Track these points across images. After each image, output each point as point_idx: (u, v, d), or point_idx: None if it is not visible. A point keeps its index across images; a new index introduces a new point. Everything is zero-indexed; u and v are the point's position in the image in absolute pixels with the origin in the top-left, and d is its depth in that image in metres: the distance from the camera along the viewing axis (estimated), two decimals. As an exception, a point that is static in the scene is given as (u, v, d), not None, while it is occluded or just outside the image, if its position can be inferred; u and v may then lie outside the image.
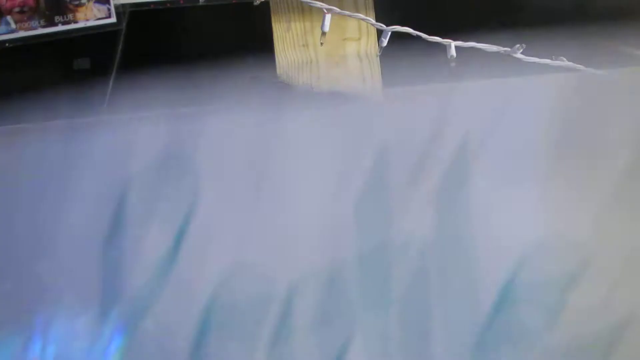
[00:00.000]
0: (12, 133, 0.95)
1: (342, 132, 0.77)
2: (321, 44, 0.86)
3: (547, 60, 0.80)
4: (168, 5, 0.95)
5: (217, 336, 0.76)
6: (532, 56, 0.79)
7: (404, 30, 0.79)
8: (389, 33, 0.80)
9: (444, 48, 0.79)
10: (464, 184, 0.78)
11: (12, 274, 0.81)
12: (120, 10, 0.94)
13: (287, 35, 0.97)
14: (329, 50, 0.98)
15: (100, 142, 0.93)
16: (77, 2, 0.94)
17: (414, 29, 0.80)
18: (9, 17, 0.93)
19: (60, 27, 0.94)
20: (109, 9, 0.94)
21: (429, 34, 0.79)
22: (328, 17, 0.81)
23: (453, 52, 0.78)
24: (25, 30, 0.94)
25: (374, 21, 0.83)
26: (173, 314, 0.78)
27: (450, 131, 0.75)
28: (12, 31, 0.94)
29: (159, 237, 0.84)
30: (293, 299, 0.75)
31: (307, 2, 0.83)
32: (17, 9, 0.93)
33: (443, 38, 0.79)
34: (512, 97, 0.76)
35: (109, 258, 0.85)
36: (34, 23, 0.94)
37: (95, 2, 0.94)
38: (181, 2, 0.95)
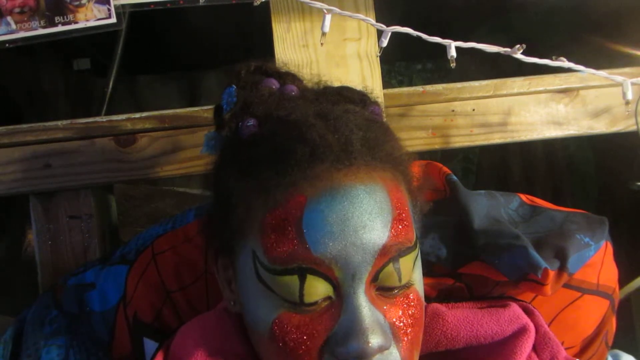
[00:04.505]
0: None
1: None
2: (321, 44, 0.86)
3: (547, 61, 0.80)
4: (168, 5, 0.95)
5: None
6: (532, 56, 0.78)
7: (404, 31, 0.79)
8: (389, 33, 0.79)
9: (444, 48, 0.79)
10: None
11: None
12: (120, 10, 0.94)
13: (287, 36, 0.97)
14: (329, 51, 0.98)
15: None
16: (77, 3, 0.94)
17: (414, 29, 0.79)
18: (9, 18, 0.93)
19: (60, 28, 0.94)
20: (109, 10, 0.94)
21: (429, 34, 0.79)
22: (328, 17, 0.81)
23: (453, 52, 0.78)
24: (25, 31, 0.94)
25: (374, 21, 0.83)
26: None
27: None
28: (12, 31, 0.94)
29: None
30: None
31: (307, 2, 0.82)
32: (17, 10, 0.93)
33: (443, 38, 0.79)
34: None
35: None
36: (34, 23, 0.94)
37: (95, 2, 0.94)
38: (181, 2, 0.95)
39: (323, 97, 0.70)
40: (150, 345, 0.79)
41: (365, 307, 0.58)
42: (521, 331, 0.70)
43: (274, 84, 0.71)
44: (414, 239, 0.63)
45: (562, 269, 0.75)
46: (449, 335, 0.71)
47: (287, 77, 0.73)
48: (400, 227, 0.60)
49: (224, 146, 0.70)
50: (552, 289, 0.75)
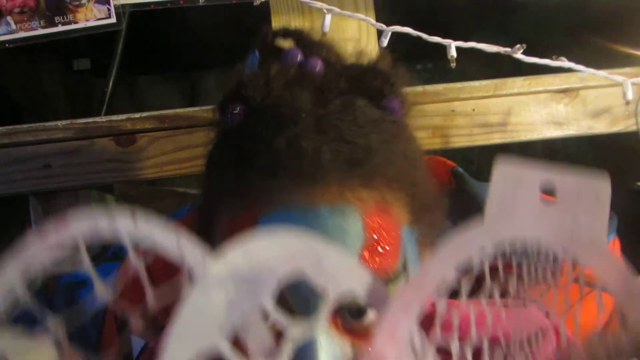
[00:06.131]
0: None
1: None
2: (321, 44, 0.86)
3: (547, 61, 0.80)
4: (168, 5, 0.95)
5: None
6: (532, 56, 0.79)
7: (404, 31, 0.79)
8: (389, 33, 0.80)
9: (444, 48, 0.79)
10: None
11: None
12: (120, 10, 0.94)
13: (287, 36, 0.97)
14: (329, 51, 0.97)
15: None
16: (77, 3, 0.94)
17: (414, 29, 0.80)
18: (9, 18, 0.93)
19: (60, 28, 0.94)
20: (109, 10, 0.94)
21: (429, 34, 0.79)
22: (328, 17, 0.81)
23: (453, 52, 0.78)
24: (25, 31, 0.94)
25: (374, 21, 0.83)
26: None
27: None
28: (12, 31, 0.94)
29: None
30: None
31: (307, 2, 0.82)
32: (17, 10, 0.93)
33: (443, 38, 0.79)
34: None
35: None
36: (34, 23, 0.94)
37: (95, 2, 0.94)
38: (181, 2, 0.95)
39: (340, 80, 0.59)
40: (137, 343, 0.76)
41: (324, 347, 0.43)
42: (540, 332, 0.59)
43: (298, 55, 0.60)
44: (395, 269, 0.51)
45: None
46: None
47: (315, 47, 0.62)
48: (373, 255, 0.50)
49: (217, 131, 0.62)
50: (567, 281, 0.71)
